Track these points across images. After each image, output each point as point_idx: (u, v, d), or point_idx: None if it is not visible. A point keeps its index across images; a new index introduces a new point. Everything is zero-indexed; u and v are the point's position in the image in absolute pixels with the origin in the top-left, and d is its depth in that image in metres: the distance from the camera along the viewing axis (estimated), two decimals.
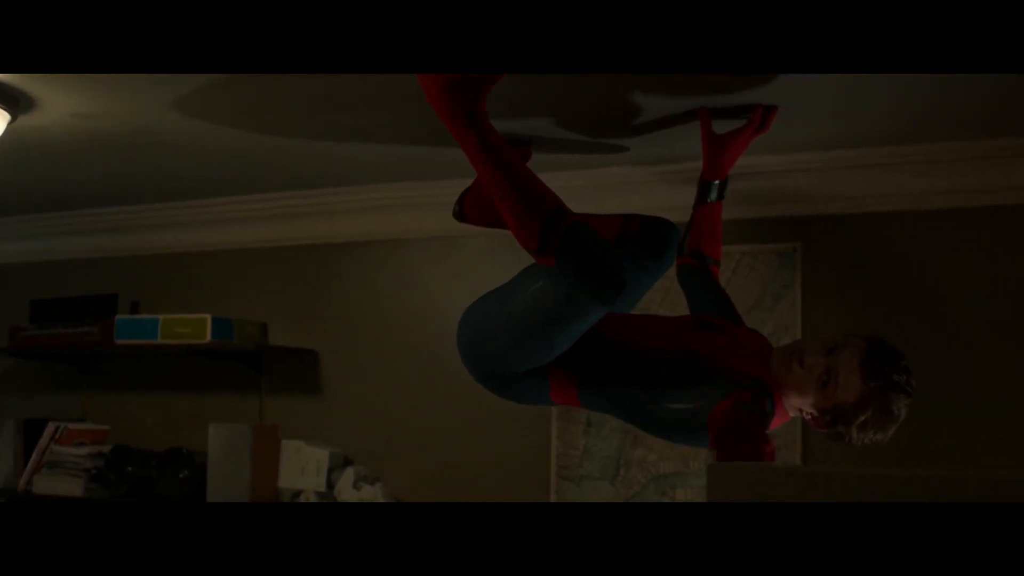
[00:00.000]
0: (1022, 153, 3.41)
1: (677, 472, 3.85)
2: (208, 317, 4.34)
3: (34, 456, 4.63)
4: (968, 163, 3.50)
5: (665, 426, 2.61)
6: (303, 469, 4.29)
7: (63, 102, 3.12)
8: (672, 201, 3.58)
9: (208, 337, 4.33)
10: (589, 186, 3.86)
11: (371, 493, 4.15)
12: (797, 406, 2.58)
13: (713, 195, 3.02)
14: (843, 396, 2.48)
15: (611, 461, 3.95)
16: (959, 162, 3.51)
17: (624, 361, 2.62)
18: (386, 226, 4.41)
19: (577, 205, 2.70)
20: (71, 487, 4.54)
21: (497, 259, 4.03)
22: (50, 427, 4.62)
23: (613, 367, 2.62)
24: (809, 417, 2.59)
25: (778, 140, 3.38)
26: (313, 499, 4.24)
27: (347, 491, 4.18)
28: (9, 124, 3.12)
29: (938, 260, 3.60)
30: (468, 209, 3.24)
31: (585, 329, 2.47)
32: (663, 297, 3.75)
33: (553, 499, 4.02)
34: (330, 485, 4.26)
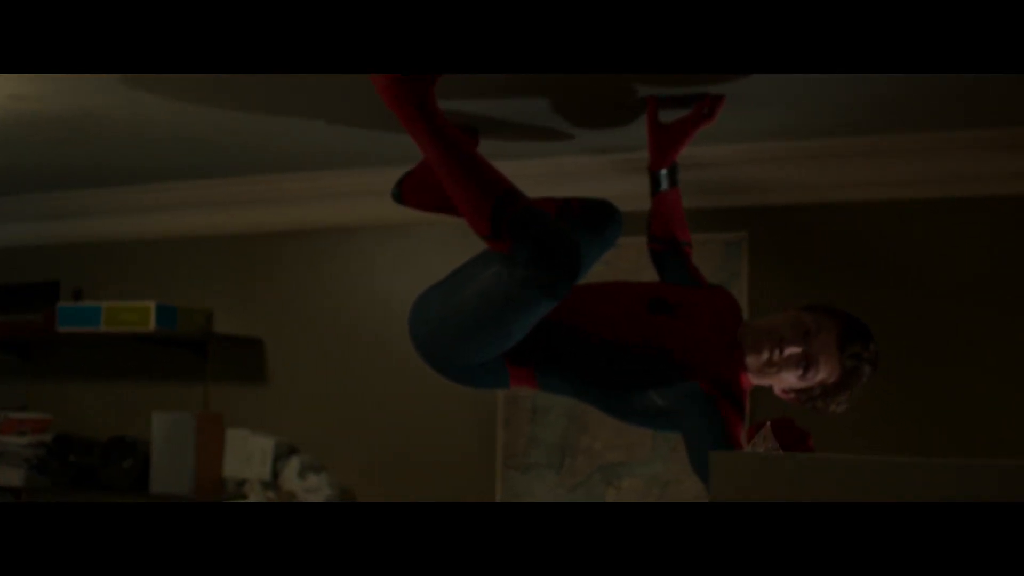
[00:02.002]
0: (970, 145, 3.47)
1: (622, 462, 3.86)
2: (152, 305, 4.29)
3: None
4: (915, 155, 3.54)
5: (626, 413, 2.61)
6: (248, 458, 4.26)
7: (1, 84, 3.06)
8: (625, 190, 3.58)
9: (152, 325, 4.28)
10: (542, 174, 3.85)
11: (316, 482, 4.12)
12: (771, 384, 2.61)
13: (664, 183, 3.01)
14: (822, 378, 2.53)
15: (556, 450, 3.95)
16: (906, 154, 3.55)
17: (582, 349, 2.59)
18: (334, 214, 4.38)
19: (529, 193, 2.69)
20: (12, 477, 4.48)
21: (447, 248, 4.02)
22: None
23: (571, 354, 2.60)
24: (783, 393, 2.62)
25: (726, 130, 3.39)
26: (258, 488, 4.21)
27: (292, 480, 4.15)
28: None
29: (885, 250, 3.64)
30: (407, 192, 3.19)
31: (543, 314, 2.42)
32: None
33: (499, 487, 4.02)
34: (275, 474, 4.23)
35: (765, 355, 2.54)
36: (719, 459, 1.59)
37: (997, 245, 3.53)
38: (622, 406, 2.60)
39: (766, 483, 1.54)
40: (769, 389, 2.71)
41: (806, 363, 2.51)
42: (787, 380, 2.56)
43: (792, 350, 2.52)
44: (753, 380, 2.62)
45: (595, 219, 2.83)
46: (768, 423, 2.29)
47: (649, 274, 3.74)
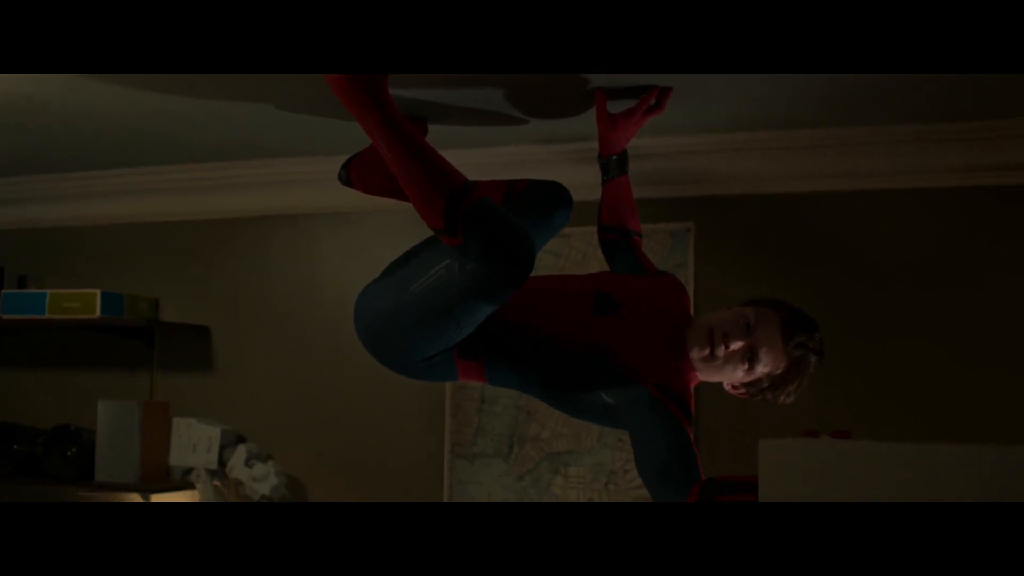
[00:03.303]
0: (906, 140, 3.53)
1: (570, 450, 3.88)
2: (97, 292, 4.25)
3: None
4: (858, 148, 3.59)
5: (573, 410, 2.61)
6: (194, 446, 4.24)
7: None
8: (576, 179, 3.59)
9: (97, 312, 4.24)
10: (492, 163, 3.85)
11: (263, 471, 4.11)
12: (719, 380, 2.63)
13: (614, 170, 3.02)
14: (769, 370, 2.55)
15: (504, 439, 3.96)
16: (850, 147, 3.59)
17: (530, 345, 2.59)
18: (281, 201, 4.36)
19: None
20: None
21: (394, 235, 4.02)
22: None
23: (519, 350, 2.59)
24: (731, 388, 2.65)
25: (673, 122, 3.42)
26: (204, 477, 4.19)
27: (239, 469, 4.14)
28: None
29: (828, 240, 3.68)
30: (354, 173, 3.17)
31: (495, 308, 2.41)
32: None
33: (447, 476, 4.03)
34: (222, 463, 4.21)
35: (707, 351, 2.56)
36: (769, 447, 1.51)
37: (936, 234, 3.59)
38: (569, 403, 2.60)
39: (821, 472, 1.48)
40: (720, 389, 2.73)
41: (751, 356, 2.53)
42: (734, 375, 2.57)
43: (736, 345, 2.54)
44: (700, 376, 2.63)
45: (543, 201, 2.83)
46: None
47: (597, 264, 3.78)
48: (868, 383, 3.61)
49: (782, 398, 2.60)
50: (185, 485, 4.26)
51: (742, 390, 2.63)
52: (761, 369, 2.54)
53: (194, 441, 4.25)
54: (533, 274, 3.11)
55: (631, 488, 3.78)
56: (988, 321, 3.51)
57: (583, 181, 3.64)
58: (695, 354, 2.57)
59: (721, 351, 2.54)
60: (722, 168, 3.74)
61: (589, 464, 3.85)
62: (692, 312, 3.32)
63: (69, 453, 4.32)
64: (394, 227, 4.10)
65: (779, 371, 2.55)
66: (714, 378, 2.62)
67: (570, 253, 3.92)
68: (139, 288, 4.57)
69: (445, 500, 4.02)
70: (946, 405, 3.51)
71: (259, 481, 4.12)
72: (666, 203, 3.85)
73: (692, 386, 2.61)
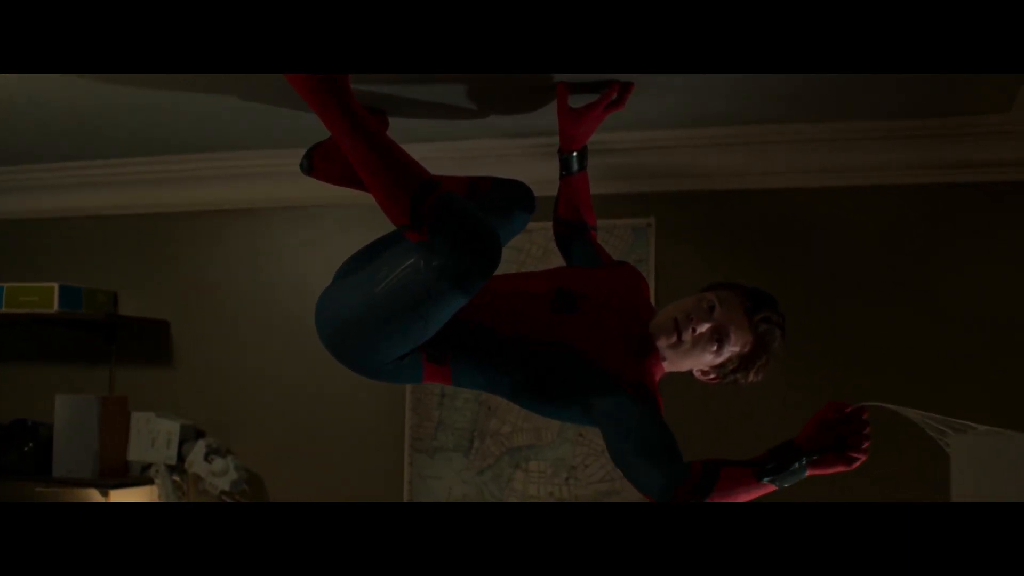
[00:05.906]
0: (860, 136, 3.57)
1: (530, 445, 3.88)
2: (55, 286, 4.21)
3: None
4: (819, 144, 3.62)
5: (541, 408, 2.61)
6: (153, 441, 4.22)
7: None
8: (537, 174, 3.59)
9: (55, 306, 4.21)
10: (453, 157, 3.85)
11: (222, 465, 4.09)
12: (689, 367, 2.64)
13: (574, 166, 3.02)
14: (737, 349, 2.56)
15: (465, 433, 3.96)
16: (811, 143, 3.62)
17: (498, 348, 2.57)
18: (240, 194, 4.34)
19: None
20: None
21: (352, 229, 4.00)
22: None
23: (485, 351, 2.58)
24: (701, 374, 2.66)
25: (635, 117, 3.42)
26: (163, 472, 4.17)
27: (198, 463, 4.12)
28: None
29: (789, 236, 3.71)
30: (317, 162, 3.14)
31: (461, 305, 2.38)
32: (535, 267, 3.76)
33: (407, 472, 4.02)
34: (181, 457, 4.19)
35: (675, 337, 2.56)
36: (960, 443, 1.47)
37: (899, 230, 3.64)
38: (544, 403, 2.59)
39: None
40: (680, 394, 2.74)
41: (719, 337, 2.54)
42: (703, 359, 2.58)
43: (703, 327, 2.54)
44: (668, 367, 2.63)
45: (507, 201, 2.82)
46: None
47: (559, 259, 3.77)
48: (827, 368, 3.65)
49: (751, 377, 2.61)
50: (144, 480, 4.23)
51: (712, 375, 2.64)
52: (730, 348, 2.55)
53: (153, 436, 4.22)
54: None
55: (591, 483, 3.79)
56: (957, 317, 3.57)
57: (545, 176, 3.62)
58: (663, 342, 2.58)
59: (688, 335, 2.55)
60: (683, 163, 3.75)
61: (550, 459, 3.85)
62: (652, 302, 3.33)
63: (26, 448, 4.28)
64: (353, 221, 4.09)
65: (747, 349, 2.56)
66: (684, 365, 2.62)
67: (531, 248, 3.92)
68: (97, 282, 4.52)
69: (405, 494, 4.02)
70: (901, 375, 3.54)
71: (218, 476, 4.09)
72: (627, 198, 3.86)
73: (657, 379, 2.61)
